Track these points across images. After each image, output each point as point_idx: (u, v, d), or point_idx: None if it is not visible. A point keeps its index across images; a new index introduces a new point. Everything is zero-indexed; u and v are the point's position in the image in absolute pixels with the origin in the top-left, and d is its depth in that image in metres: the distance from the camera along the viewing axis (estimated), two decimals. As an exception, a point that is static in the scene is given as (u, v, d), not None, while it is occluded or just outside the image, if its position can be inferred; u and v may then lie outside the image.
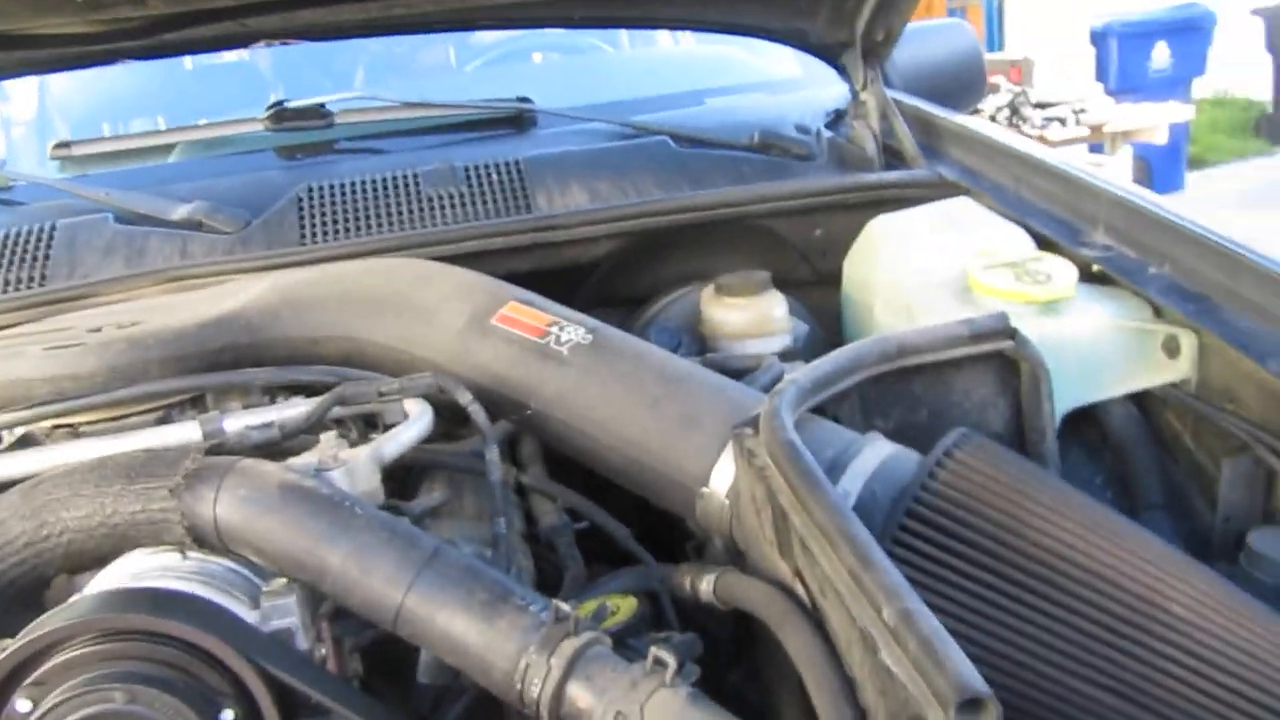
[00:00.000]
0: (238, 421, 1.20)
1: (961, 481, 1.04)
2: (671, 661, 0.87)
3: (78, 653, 0.86)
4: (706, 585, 1.07)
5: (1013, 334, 1.23)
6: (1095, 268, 1.40)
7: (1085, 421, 1.41)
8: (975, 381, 1.27)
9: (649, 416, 1.25)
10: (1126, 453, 1.36)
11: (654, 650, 0.89)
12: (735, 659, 1.20)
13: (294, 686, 0.90)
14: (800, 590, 0.98)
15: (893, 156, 1.89)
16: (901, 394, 1.27)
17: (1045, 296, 1.35)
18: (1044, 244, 1.51)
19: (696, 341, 1.64)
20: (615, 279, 1.81)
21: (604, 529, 1.46)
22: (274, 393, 1.34)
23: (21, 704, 0.84)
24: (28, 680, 0.86)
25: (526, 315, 1.38)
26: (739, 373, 1.40)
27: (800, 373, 1.16)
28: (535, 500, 1.49)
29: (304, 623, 0.98)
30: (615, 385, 1.29)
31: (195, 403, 1.33)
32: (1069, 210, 1.54)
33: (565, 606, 0.93)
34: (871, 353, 1.20)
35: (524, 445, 1.50)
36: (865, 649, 0.83)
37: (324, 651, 1.00)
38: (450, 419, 1.38)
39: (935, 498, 1.03)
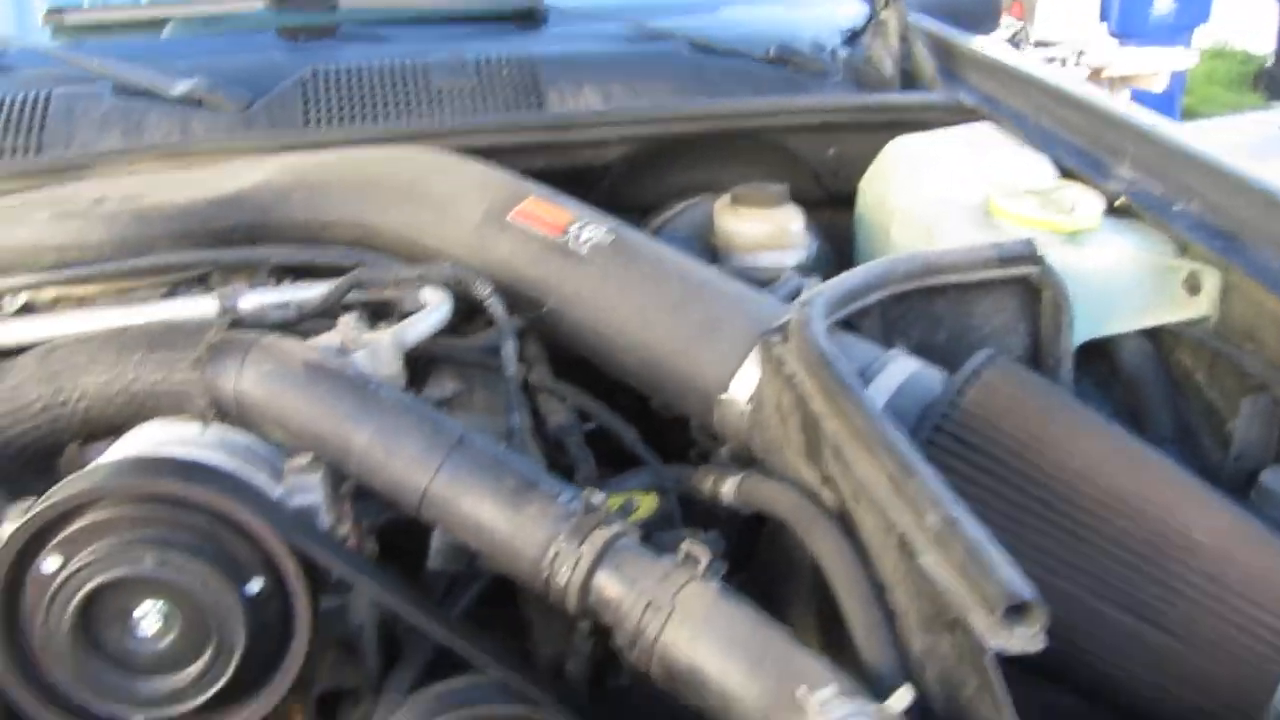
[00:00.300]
0: (254, 299, 1.17)
1: (989, 401, 1.05)
2: (705, 555, 0.87)
3: (106, 515, 0.84)
4: (729, 488, 1.07)
5: (1039, 260, 1.23)
6: (1120, 201, 1.40)
7: (1097, 354, 1.41)
8: (997, 306, 1.27)
9: (670, 320, 1.24)
10: (1138, 387, 1.37)
11: (687, 543, 0.89)
12: (736, 567, 1.20)
13: (319, 561, 0.89)
14: (828, 496, 0.98)
15: (910, 79, 1.87)
16: (923, 314, 1.26)
17: (1069, 227, 1.34)
18: (1067, 175, 1.50)
19: (707, 252, 1.62)
20: (624, 185, 1.78)
21: (611, 430, 1.46)
22: (280, 276, 1.31)
23: (49, 563, 0.83)
24: (55, 540, 0.84)
25: (546, 212, 1.36)
26: (757, 284, 1.38)
27: (829, 284, 1.15)
28: (543, 399, 1.48)
29: (327, 500, 0.96)
30: (636, 287, 1.27)
31: (201, 282, 1.30)
32: (1093, 142, 1.53)
33: (597, 495, 0.92)
34: (899, 269, 1.20)
35: (529, 345, 1.49)
36: (901, 554, 0.83)
37: (345, 530, 0.99)
38: (459, 315, 1.36)
39: (963, 415, 1.03)
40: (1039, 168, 1.51)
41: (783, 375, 1.06)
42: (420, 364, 1.35)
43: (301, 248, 1.27)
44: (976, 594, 0.73)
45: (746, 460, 1.21)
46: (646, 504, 1.05)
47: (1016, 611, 0.71)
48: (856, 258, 1.67)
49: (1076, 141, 1.57)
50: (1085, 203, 1.38)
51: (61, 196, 1.40)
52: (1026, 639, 0.70)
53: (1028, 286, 1.26)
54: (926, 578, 0.78)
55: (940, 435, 1.02)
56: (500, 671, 0.93)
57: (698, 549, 0.88)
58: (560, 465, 1.37)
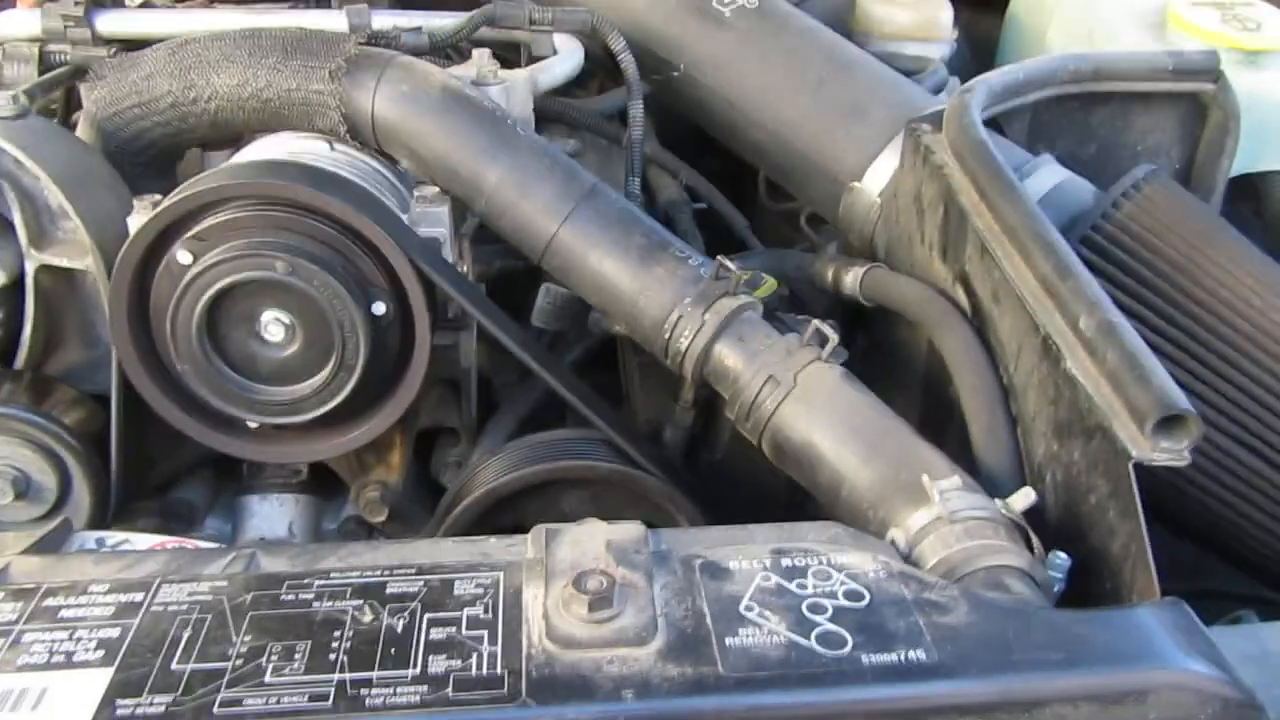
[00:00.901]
0: (386, 19, 1.12)
1: (1144, 217, 0.99)
2: (834, 335, 0.85)
3: (240, 215, 0.83)
4: (852, 278, 1.03)
5: (1219, 76, 1.13)
6: (1310, 26, 1.28)
7: (1245, 189, 1.33)
8: (1157, 122, 1.19)
9: (810, 98, 1.18)
10: (1281, 231, 1.30)
11: (816, 322, 0.86)
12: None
13: (444, 293, 0.88)
14: (961, 296, 0.94)
15: None
16: (1076, 122, 1.19)
17: (1252, 45, 1.24)
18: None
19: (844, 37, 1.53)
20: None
21: (721, 215, 1.42)
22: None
23: (183, 255, 0.82)
24: (189, 234, 0.83)
25: (689, -34, 1.28)
26: (904, 73, 1.31)
27: (990, 75, 1.07)
28: (654, 173, 1.44)
29: (451, 236, 0.95)
30: (778, 58, 1.21)
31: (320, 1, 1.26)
32: (1287, -42, 1.40)
33: (729, 264, 0.89)
34: (1065, 69, 1.12)
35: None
36: (1042, 356, 0.80)
37: (465, 269, 0.98)
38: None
39: (1116, 228, 0.98)
40: (1222, -21, 1.39)
41: (929, 165, 1.00)
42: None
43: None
44: (1127, 401, 0.70)
45: (868, 256, 1.17)
46: (769, 284, 1.02)
47: (1167, 423, 0.68)
48: (1001, 60, 1.57)
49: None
50: (1272, 23, 1.26)
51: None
52: (1174, 453, 0.68)
53: (1195, 104, 1.17)
54: (1070, 382, 0.75)
55: (1086, 246, 0.97)
56: (602, 429, 0.92)
57: (827, 329, 0.85)
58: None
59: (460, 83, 0.96)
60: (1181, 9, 1.28)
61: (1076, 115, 1.18)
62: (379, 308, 0.86)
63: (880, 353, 1.11)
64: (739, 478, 1.03)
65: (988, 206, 0.90)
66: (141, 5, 1.18)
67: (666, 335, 0.90)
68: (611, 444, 0.93)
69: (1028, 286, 0.83)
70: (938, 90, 1.31)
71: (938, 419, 0.97)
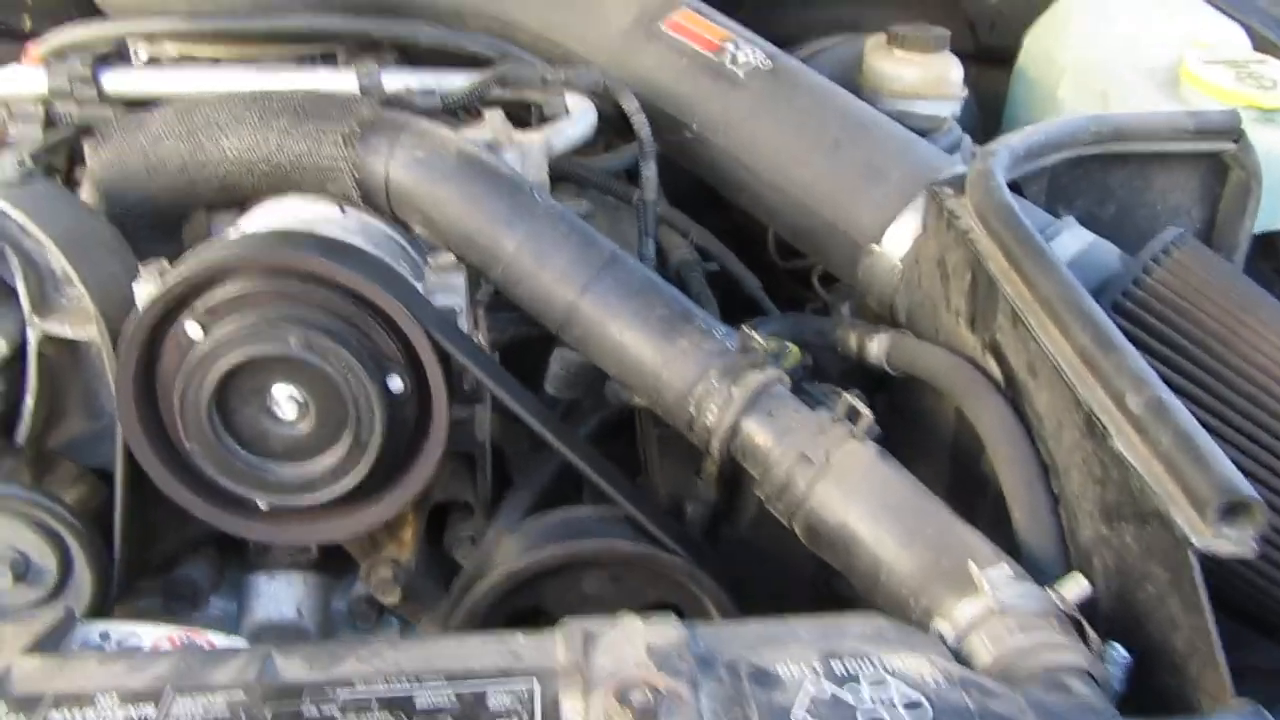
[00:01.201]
0: (398, 80, 1.10)
1: (1176, 282, 0.97)
2: (867, 412, 0.82)
3: (251, 288, 0.80)
4: (878, 346, 1.01)
5: (1240, 135, 1.12)
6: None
7: (1265, 247, 1.31)
8: (1177, 183, 1.17)
9: (826, 159, 1.16)
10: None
11: (848, 396, 0.84)
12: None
13: (460, 366, 0.85)
14: (992, 366, 0.91)
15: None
16: (1095, 183, 1.17)
17: (1269, 104, 1.23)
18: (1263, 46, 1.37)
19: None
20: (765, 11, 1.67)
21: (733, 275, 1.40)
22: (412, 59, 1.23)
23: (192, 328, 0.79)
24: (198, 305, 0.80)
25: (700, 26, 1.26)
26: (917, 132, 1.29)
27: (1011, 137, 1.06)
28: (664, 233, 1.42)
29: (467, 305, 0.92)
30: (792, 118, 1.19)
31: (326, 60, 1.23)
32: (1297, 15, 1.40)
33: (755, 336, 0.86)
34: (1087, 130, 1.10)
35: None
36: (1086, 433, 0.77)
37: (480, 339, 0.95)
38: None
39: (1147, 294, 0.96)
40: (1233, 35, 1.38)
41: (954, 230, 0.98)
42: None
43: (450, 31, 1.19)
44: (1185, 486, 0.67)
45: (877, 319, 1.15)
46: (793, 354, 0.99)
47: (1230, 510, 0.66)
48: (1010, 117, 1.56)
49: (1276, 12, 1.43)
50: (1288, 80, 1.26)
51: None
52: (1239, 541, 0.65)
53: (1215, 164, 1.15)
54: (1119, 462, 0.72)
55: (1118, 313, 0.95)
56: (623, 506, 0.89)
57: (859, 403, 0.82)
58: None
59: (476, 148, 0.94)
60: (1196, 67, 1.27)
61: (1094, 175, 1.16)
62: (395, 383, 0.83)
63: (902, 418, 1.09)
64: (764, 553, 1.00)
65: (1019, 274, 0.87)
66: (148, 63, 1.16)
67: (691, 411, 0.87)
68: (631, 521, 0.90)
69: (1066, 359, 0.80)
70: (952, 149, 1.30)
71: (967, 491, 0.94)
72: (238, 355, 0.79)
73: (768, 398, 0.86)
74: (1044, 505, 0.81)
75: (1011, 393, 0.88)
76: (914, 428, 1.05)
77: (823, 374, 1.10)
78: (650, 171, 1.18)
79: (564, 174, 1.27)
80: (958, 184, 1.02)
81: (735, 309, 1.39)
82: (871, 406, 1.03)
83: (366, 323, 0.82)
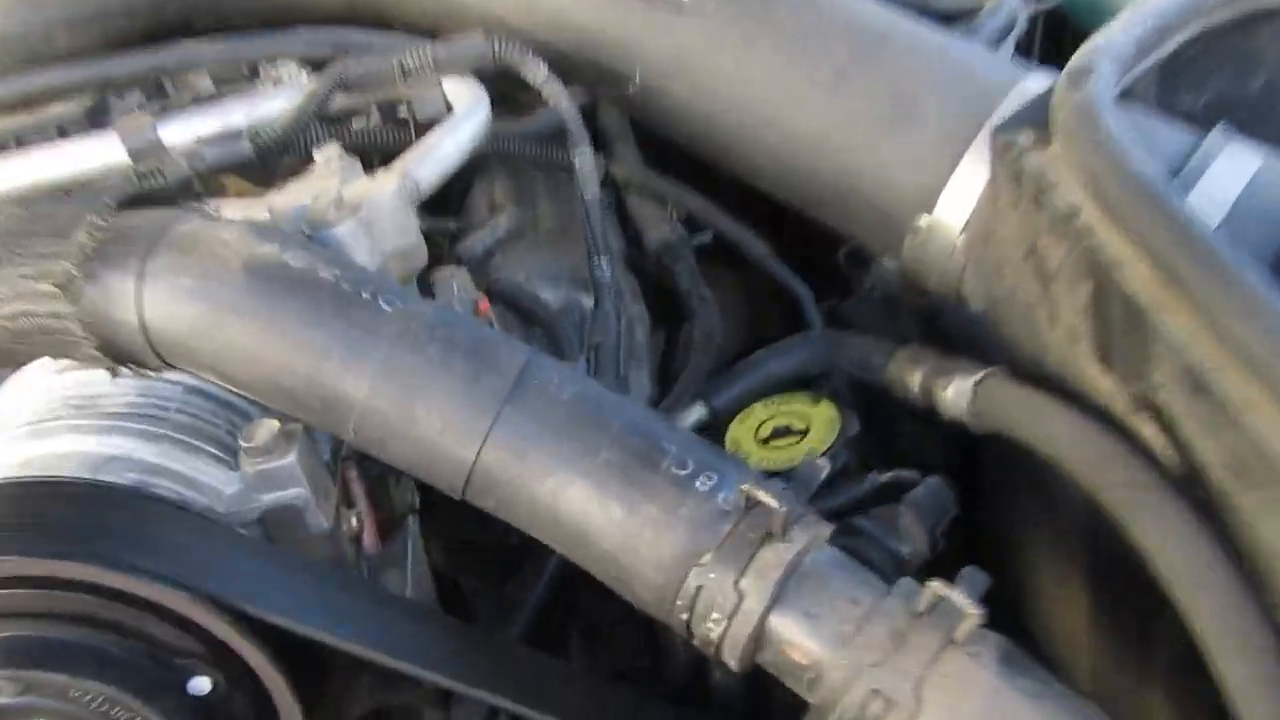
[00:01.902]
0: (184, 129, 0.74)
1: None
2: (972, 611, 0.49)
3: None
4: (955, 394, 0.66)
5: None
6: None
7: None
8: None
9: (829, 96, 0.80)
10: None
11: (935, 588, 0.50)
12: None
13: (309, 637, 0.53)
14: (1148, 431, 0.57)
15: None
16: (1231, 52, 0.80)
17: None
18: None
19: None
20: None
21: (737, 244, 1.04)
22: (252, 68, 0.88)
23: None
24: None
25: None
26: (947, 16, 0.91)
27: (1109, 36, 0.68)
28: (634, 201, 1.06)
29: (312, 485, 0.59)
30: (769, 46, 0.82)
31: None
32: None
33: (770, 493, 0.52)
34: (1214, -8, 0.72)
35: (605, 114, 1.05)
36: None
37: (354, 522, 0.63)
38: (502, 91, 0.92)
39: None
40: None
41: (1047, 210, 0.62)
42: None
43: (248, 39, 0.83)
44: None
45: (930, 310, 0.82)
46: (820, 424, 0.65)
47: None
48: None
49: None
50: None
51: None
52: None
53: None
54: None
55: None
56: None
57: (958, 597, 0.49)
58: (663, 289, 0.98)
59: (275, 245, 0.58)
60: None
61: (1226, 44, 0.79)
62: (198, 684, 0.51)
63: (1000, 464, 0.75)
64: None
65: (1191, 304, 0.52)
66: None
67: (684, 616, 0.54)
68: None
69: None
70: (1003, 37, 0.92)
71: (1118, 602, 0.63)
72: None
73: (801, 582, 0.52)
74: (1272, 670, 0.48)
75: (1192, 490, 0.54)
76: (1022, 478, 0.72)
77: (873, 420, 0.76)
78: (585, 159, 0.83)
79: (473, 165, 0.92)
80: (1037, 121, 0.66)
81: (743, 287, 1.06)
82: (957, 476, 0.71)
83: (138, 617, 0.50)
